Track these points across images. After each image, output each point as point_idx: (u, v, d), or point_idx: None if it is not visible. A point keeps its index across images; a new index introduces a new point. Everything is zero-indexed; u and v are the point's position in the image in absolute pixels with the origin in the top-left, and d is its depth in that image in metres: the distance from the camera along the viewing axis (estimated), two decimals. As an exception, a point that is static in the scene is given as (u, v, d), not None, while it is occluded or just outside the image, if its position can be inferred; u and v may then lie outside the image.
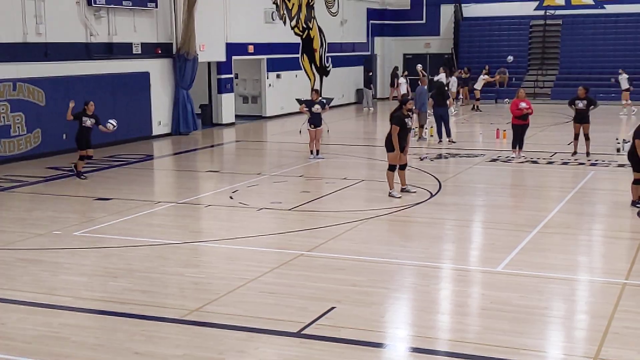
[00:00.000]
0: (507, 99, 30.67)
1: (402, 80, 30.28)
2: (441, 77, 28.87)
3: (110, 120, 16.02)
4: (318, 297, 8.31)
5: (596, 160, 17.44)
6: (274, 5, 28.57)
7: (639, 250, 10.11)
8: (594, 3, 35.05)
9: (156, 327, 7.56)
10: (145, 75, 22.30)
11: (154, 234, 11.33)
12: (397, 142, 13.43)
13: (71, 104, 15.79)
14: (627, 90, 28.06)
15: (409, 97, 14.43)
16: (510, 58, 32.06)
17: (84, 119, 15.62)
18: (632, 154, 12.63)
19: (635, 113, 27.23)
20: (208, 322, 7.65)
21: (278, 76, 29.20)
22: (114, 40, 21.23)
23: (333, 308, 7.96)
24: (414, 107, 16.09)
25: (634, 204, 12.64)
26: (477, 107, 30.24)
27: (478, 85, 30.80)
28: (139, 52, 22.24)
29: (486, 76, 30.98)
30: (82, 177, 15.78)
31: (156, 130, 22.87)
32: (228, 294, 8.49)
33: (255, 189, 14.80)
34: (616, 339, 7.13)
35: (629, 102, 27.85)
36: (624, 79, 28.24)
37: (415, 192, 13.93)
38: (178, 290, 8.78)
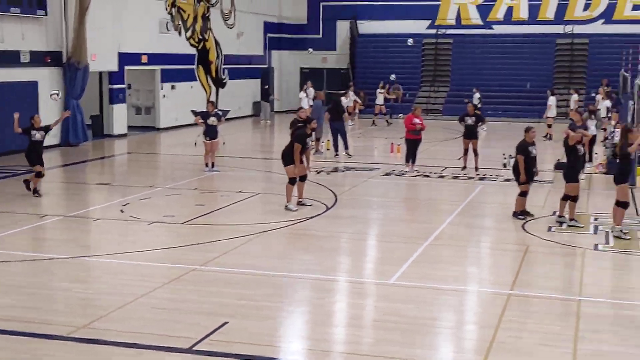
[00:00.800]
0: (401, 114, 31.36)
1: (301, 94, 29.66)
2: (309, 92, 29.10)
3: (52, 92, 15.59)
4: (211, 312, 8.21)
5: (484, 175, 18.05)
6: (169, 16, 28.19)
7: (522, 262, 10.52)
8: (482, 24, 36.44)
9: (42, 344, 7.29)
10: (34, 85, 21.52)
11: (40, 248, 10.92)
12: (299, 159, 13.52)
13: (16, 115, 14.94)
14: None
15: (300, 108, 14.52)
16: (392, 76, 32.79)
17: (33, 132, 14.92)
18: (515, 169, 13.28)
19: (485, 130, 27.83)
20: (96, 339, 7.42)
21: (173, 87, 28.78)
22: (0, 48, 20.37)
23: (226, 323, 7.87)
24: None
25: (515, 215, 13.18)
26: (387, 121, 30.59)
27: (379, 101, 31.17)
28: (27, 60, 21.45)
29: (383, 90, 31.43)
30: (36, 194, 14.78)
31: (44, 141, 21.99)
32: (117, 310, 8.26)
33: (147, 202, 14.49)
34: (501, 347, 7.38)
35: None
36: (475, 98, 28.96)
37: (311, 205, 14.00)
38: (65, 307, 8.48)
